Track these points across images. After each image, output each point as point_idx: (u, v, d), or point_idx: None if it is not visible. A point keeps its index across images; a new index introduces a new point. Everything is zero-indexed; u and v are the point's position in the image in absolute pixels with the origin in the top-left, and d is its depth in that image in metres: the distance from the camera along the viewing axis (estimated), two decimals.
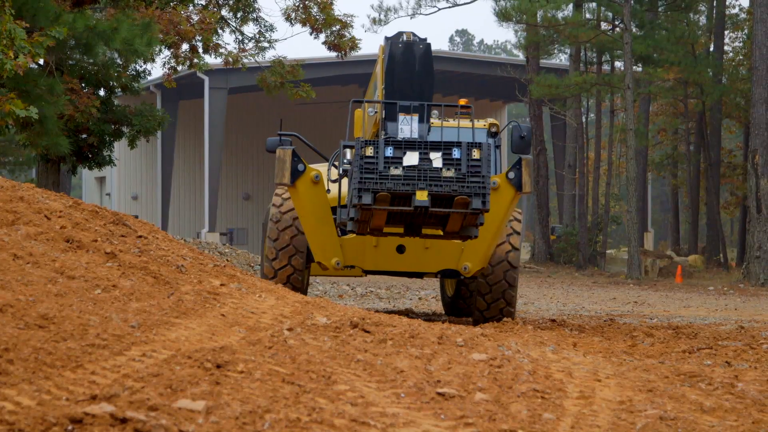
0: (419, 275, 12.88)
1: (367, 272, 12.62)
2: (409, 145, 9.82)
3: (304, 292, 12.61)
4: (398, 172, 9.70)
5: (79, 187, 60.13)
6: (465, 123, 12.58)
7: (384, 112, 10.45)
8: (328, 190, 11.36)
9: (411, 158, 9.74)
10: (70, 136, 20.17)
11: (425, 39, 10.55)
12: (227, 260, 22.90)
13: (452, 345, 7.12)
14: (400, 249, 12.17)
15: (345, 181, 11.07)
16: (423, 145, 9.83)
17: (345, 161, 10.97)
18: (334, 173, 11.33)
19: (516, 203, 11.55)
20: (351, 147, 10.53)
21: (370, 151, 9.74)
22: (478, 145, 9.83)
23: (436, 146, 9.83)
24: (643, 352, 9.89)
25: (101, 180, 49.59)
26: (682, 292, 26.55)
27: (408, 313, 15.40)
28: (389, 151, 9.75)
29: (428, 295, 21.30)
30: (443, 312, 16.94)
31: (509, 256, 12.45)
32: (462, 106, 12.68)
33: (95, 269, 7.59)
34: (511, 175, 11.32)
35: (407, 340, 7.00)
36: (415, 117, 10.28)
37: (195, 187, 46.28)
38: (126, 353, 5.32)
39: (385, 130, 10.31)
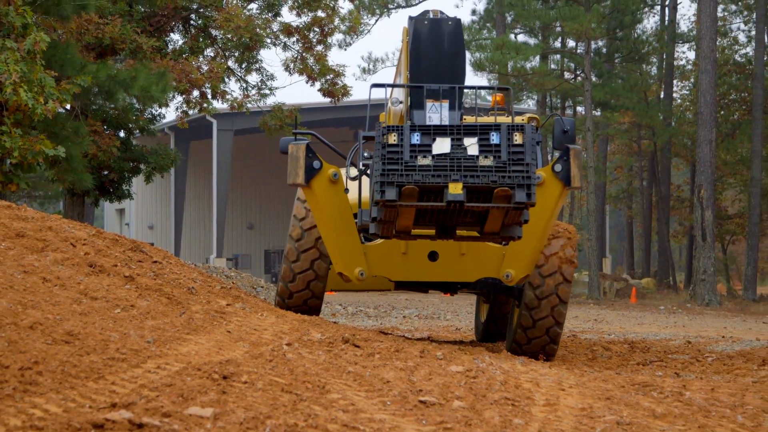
0: (453, 287, 10.13)
1: (396, 284, 9.97)
2: (439, 130, 7.51)
3: (318, 313, 10.52)
4: (427, 161, 7.41)
5: (101, 218, 59.94)
6: (501, 119, 9.78)
7: (410, 99, 8.37)
8: (347, 190, 8.78)
9: (442, 145, 7.46)
10: (93, 173, 20.13)
11: (455, 17, 8.52)
12: (233, 283, 22.81)
13: (433, 358, 7.12)
14: (433, 256, 9.38)
15: (365, 179, 8.81)
16: (455, 130, 7.51)
17: (365, 155, 8.81)
18: (354, 172, 8.85)
19: (564, 200, 8.80)
20: (372, 138, 8.26)
21: (393, 138, 7.45)
22: (521, 128, 7.50)
23: (470, 130, 7.51)
24: (602, 365, 9.89)
25: (121, 211, 49.47)
26: (637, 311, 26.56)
27: (394, 331, 15.37)
28: (416, 138, 7.46)
29: (411, 314, 21.25)
30: (424, 335, 14.45)
31: (559, 288, 9.68)
32: (498, 108, 10.15)
33: (115, 291, 7.58)
34: (558, 167, 8.53)
35: (393, 354, 7.00)
36: (445, 103, 8.23)
37: (204, 218, 46.20)
38: (142, 366, 5.31)
39: (411, 121, 8.21)
